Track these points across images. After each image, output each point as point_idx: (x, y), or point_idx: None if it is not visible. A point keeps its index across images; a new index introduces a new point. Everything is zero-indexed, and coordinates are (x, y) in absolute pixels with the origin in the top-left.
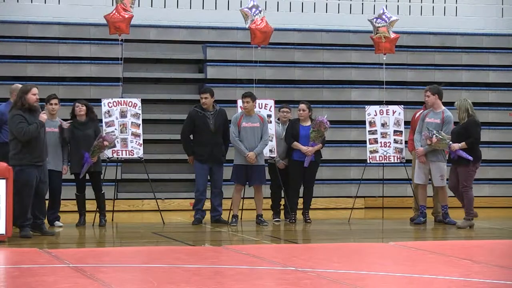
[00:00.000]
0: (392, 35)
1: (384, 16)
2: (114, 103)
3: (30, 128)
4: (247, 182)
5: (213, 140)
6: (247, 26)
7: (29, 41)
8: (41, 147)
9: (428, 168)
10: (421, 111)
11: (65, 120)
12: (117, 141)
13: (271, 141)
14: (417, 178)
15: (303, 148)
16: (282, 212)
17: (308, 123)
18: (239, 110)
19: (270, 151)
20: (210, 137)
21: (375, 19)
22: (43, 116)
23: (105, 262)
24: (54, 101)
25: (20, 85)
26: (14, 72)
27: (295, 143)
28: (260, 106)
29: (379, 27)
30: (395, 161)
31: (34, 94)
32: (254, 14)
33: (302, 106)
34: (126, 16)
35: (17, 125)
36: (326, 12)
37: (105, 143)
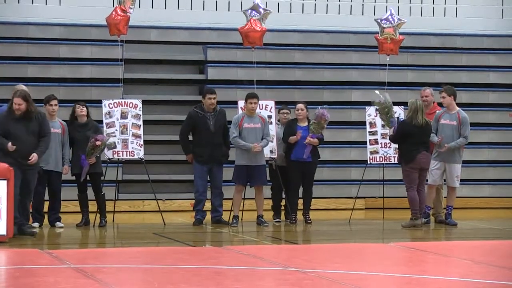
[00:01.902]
0: (398, 37)
1: (390, 18)
2: (115, 104)
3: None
4: (248, 183)
5: (213, 141)
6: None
7: (30, 42)
8: (23, 148)
9: (443, 170)
10: None
11: (65, 120)
12: (118, 142)
13: (271, 142)
14: (431, 179)
15: (294, 138)
16: (282, 213)
17: (305, 123)
18: (240, 111)
19: (271, 151)
20: (210, 138)
21: (381, 20)
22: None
23: (106, 262)
24: (54, 102)
25: (24, 86)
26: (15, 73)
27: (291, 137)
28: (261, 107)
29: (385, 27)
30: (396, 162)
31: (15, 103)
32: (252, 16)
33: (300, 106)
34: (124, 17)
35: None
36: (327, 13)
37: (97, 142)
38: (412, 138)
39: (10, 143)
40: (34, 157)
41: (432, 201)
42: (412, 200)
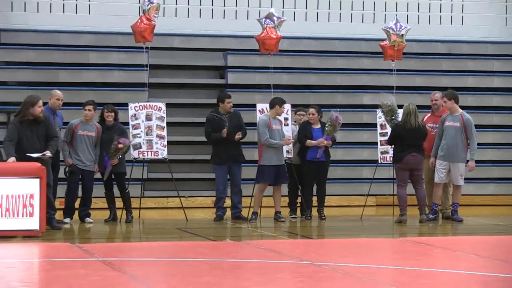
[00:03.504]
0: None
1: (394, 26)
2: (140, 107)
3: (7, 150)
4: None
5: (230, 141)
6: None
7: (62, 49)
8: (32, 152)
9: (448, 169)
10: (428, 115)
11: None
12: (143, 143)
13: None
14: (438, 178)
15: (314, 142)
16: (298, 210)
17: (318, 125)
18: (258, 113)
19: (287, 152)
20: (227, 138)
21: (388, 28)
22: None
23: (132, 256)
24: (89, 107)
25: (58, 91)
26: (47, 78)
27: (308, 140)
28: None
29: (392, 34)
30: None
31: (40, 106)
32: (275, 23)
33: (312, 110)
34: (149, 25)
35: (7, 136)
36: (340, 21)
37: (120, 145)
38: (403, 140)
39: (12, 159)
40: (48, 153)
41: (440, 198)
42: (399, 197)
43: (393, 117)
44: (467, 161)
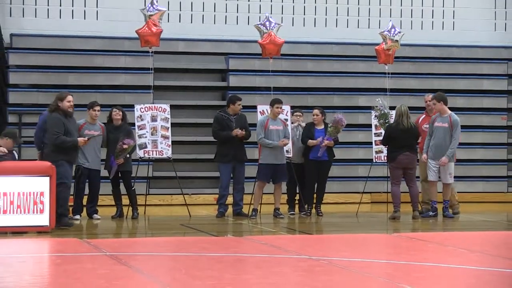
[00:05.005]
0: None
1: (388, 31)
2: (146, 108)
3: (66, 140)
4: (271, 180)
5: (236, 141)
6: (257, 41)
7: (71, 53)
8: (75, 150)
9: (438, 167)
10: (423, 116)
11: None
12: (148, 143)
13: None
14: (431, 176)
15: (313, 141)
16: (297, 206)
17: (322, 126)
18: (259, 114)
19: (287, 151)
20: (233, 138)
21: (385, 33)
22: (81, 142)
23: (138, 251)
24: (97, 107)
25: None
26: (57, 80)
27: (310, 140)
28: None
29: (387, 39)
30: None
31: (69, 101)
32: (269, 28)
33: (316, 111)
34: (156, 30)
35: (56, 129)
36: (336, 26)
37: (125, 146)
38: (396, 141)
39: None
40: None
41: (436, 195)
42: (393, 195)
43: (386, 121)
44: (456, 159)
